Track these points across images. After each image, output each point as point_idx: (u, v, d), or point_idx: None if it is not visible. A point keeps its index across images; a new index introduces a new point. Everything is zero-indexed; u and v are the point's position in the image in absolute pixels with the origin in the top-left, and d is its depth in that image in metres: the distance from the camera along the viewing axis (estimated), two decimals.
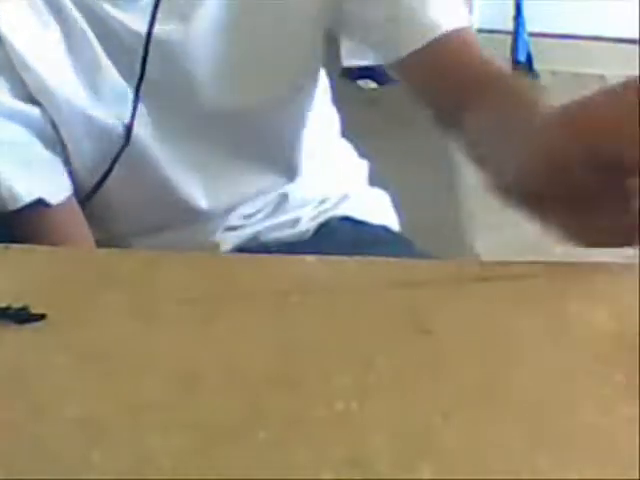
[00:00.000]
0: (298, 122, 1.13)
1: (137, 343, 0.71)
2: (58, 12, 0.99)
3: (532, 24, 2.97)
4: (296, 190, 1.18)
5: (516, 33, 2.94)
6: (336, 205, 1.21)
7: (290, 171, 1.16)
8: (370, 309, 0.74)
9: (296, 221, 1.19)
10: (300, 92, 1.11)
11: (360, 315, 0.74)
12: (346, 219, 1.21)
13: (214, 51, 1.02)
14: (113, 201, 1.08)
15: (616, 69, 2.91)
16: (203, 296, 0.75)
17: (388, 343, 0.70)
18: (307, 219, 1.19)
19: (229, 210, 1.14)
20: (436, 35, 1.00)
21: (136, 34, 1.00)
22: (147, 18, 0.99)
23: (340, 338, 0.71)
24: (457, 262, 0.86)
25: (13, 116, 1.00)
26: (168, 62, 1.01)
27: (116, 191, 1.07)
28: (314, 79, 1.12)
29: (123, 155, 1.03)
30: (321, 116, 1.18)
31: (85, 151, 1.04)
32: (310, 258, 0.83)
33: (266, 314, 0.74)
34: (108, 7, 0.99)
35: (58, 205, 1.02)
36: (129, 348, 0.70)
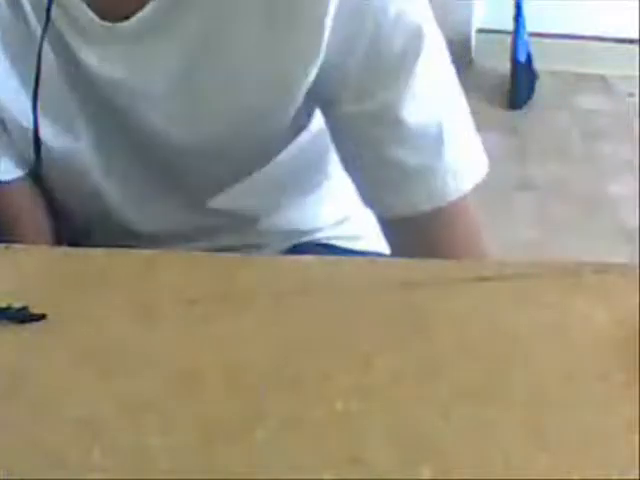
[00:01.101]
0: (258, 170, 1.06)
1: (137, 343, 0.71)
2: (22, 20, 0.97)
3: (532, 24, 2.96)
4: (264, 220, 1.12)
5: (516, 33, 2.94)
6: (314, 232, 1.15)
7: (245, 218, 1.11)
8: (369, 309, 0.74)
9: (263, 245, 1.13)
10: (263, 139, 1.03)
11: (360, 315, 0.74)
12: (323, 246, 1.16)
13: (172, 94, 0.97)
14: (68, 210, 1.09)
15: (616, 69, 2.91)
16: (203, 296, 0.75)
17: (388, 343, 0.70)
18: (276, 243, 1.13)
19: (176, 235, 1.10)
20: (432, 206, 0.94)
21: (102, 77, 0.96)
22: (116, 64, 0.95)
23: (340, 338, 0.71)
24: (457, 262, 0.86)
25: None
26: (122, 98, 0.98)
27: (68, 202, 1.07)
28: (284, 128, 1.03)
29: (68, 175, 1.03)
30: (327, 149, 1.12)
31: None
32: (309, 258, 0.83)
33: (266, 314, 0.74)
34: (77, 42, 0.96)
35: (3, 183, 1.03)
36: (129, 348, 0.70)
